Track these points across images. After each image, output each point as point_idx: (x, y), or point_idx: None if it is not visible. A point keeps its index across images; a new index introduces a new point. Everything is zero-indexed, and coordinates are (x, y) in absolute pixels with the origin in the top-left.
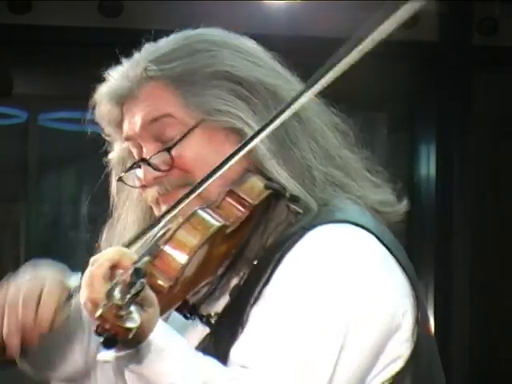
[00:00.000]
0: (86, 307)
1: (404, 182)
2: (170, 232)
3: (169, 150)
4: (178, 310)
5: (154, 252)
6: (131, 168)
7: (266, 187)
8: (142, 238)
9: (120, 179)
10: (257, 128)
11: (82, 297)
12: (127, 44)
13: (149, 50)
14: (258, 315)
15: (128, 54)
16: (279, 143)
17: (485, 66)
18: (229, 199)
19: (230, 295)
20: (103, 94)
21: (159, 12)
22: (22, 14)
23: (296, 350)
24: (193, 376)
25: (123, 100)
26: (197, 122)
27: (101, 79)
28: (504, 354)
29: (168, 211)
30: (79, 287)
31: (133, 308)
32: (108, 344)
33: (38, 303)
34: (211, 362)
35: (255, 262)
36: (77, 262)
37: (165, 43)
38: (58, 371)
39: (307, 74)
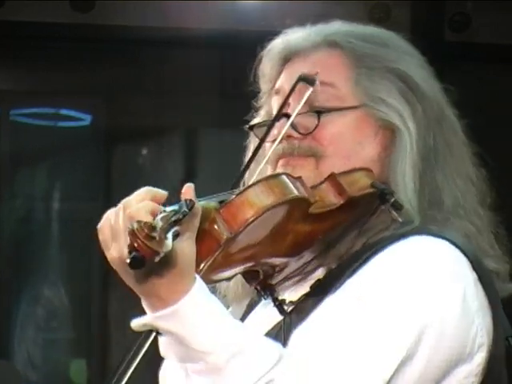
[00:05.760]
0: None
1: None
2: (246, 186)
3: (319, 113)
4: (251, 282)
5: (224, 201)
6: (272, 120)
7: (373, 185)
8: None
9: (251, 128)
10: (413, 132)
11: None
12: (99, 39)
13: (337, 24)
14: (328, 303)
15: (100, 50)
16: (426, 159)
17: (457, 61)
18: (328, 183)
19: (311, 287)
20: (273, 46)
21: (131, 8)
22: None
23: (355, 347)
24: (228, 345)
25: (292, 56)
26: (359, 103)
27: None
28: None
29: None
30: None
31: (169, 235)
32: (134, 264)
33: None
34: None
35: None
36: (49, 257)
37: (358, 26)
38: None
39: None
